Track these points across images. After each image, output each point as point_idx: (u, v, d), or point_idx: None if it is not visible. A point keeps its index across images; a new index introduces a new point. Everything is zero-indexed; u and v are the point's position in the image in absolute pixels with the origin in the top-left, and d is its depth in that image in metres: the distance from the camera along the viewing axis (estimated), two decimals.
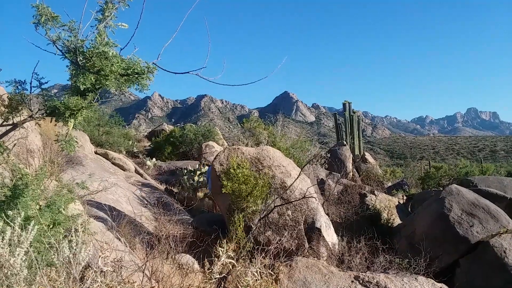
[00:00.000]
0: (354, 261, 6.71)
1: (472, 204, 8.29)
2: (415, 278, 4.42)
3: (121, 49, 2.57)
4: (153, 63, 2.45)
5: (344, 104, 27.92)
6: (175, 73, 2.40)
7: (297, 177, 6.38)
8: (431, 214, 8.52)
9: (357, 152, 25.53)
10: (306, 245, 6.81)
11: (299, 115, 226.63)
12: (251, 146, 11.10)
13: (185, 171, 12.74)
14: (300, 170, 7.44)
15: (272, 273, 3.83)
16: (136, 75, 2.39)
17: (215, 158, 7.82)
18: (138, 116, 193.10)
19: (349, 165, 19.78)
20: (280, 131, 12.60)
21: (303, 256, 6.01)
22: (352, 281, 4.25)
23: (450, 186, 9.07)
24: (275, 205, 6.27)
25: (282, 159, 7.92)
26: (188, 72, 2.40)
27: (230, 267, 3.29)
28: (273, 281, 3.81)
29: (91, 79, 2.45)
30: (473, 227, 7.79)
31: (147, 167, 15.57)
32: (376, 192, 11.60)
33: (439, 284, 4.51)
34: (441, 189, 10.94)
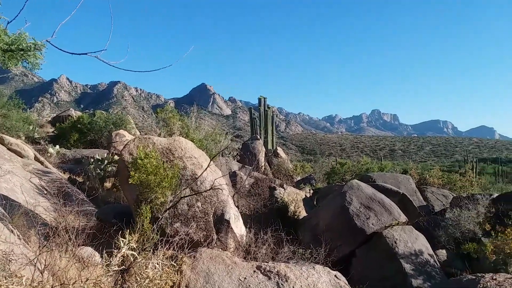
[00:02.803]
0: (260, 252, 6.90)
1: (369, 198, 8.94)
2: (313, 267, 4.67)
3: (8, 22, 2.33)
4: (46, 40, 2.26)
5: (259, 99, 28.51)
6: (71, 53, 2.24)
7: (206, 168, 6.37)
8: (334, 207, 9.05)
9: (270, 146, 26.24)
10: (215, 236, 6.85)
11: (216, 108, 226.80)
12: (164, 137, 10.85)
13: (92, 160, 12.09)
14: (210, 161, 7.45)
15: (175, 264, 3.78)
16: (21, 52, 2.19)
17: (124, 148, 7.54)
18: (42, 100, 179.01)
19: (262, 159, 20.25)
20: (194, 123, 12.47)
21: (212, 248, 6.04)
22: (254, 271, 4.37)
23: (351, 181, 9.70)
24: (182, 196, 6.20)
25: (194, 151, 7.85)
26: (86, 54, 2.24)
27: (132, 259, 3.19)
28: (176, 273, 3.77)
29: None
30: (369, 219, 8.42)
31: (49, 154, 14.48)
32: (285, 185, 12.00)
33: (334, 272, 4.81)
34: (344, 184, 11.65)
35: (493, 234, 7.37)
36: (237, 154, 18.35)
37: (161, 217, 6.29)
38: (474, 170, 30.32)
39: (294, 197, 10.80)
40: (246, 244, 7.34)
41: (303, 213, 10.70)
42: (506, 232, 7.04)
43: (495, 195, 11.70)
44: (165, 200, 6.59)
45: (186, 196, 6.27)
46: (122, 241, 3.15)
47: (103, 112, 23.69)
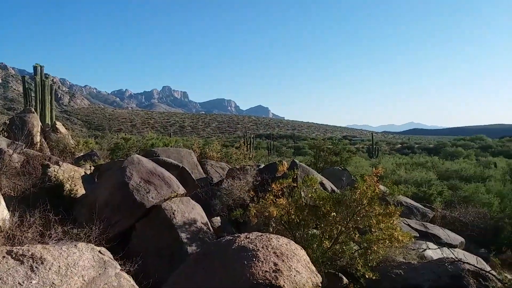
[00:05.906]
0: (25, 237, 6.25)
1: (150, 172, 9.06)
2: (75, 245, 4.48)
3: None
4: None
5: (35, 68, 25.15)
6: None
7: None
8: (113, 183, 8.83)
9: (48, 121, 23.67)
10: None
11: None
12: None
13: None
14: None
15: None
16: None
17: None
18: None
19: (37, 134, 18.14)
20: None
21: None
22: (4, 257, 3.92)
23: (132, 156, 9.62)
24: None
25: None
26: None
27: None
28: None
29: None
30: (149, 193, 8.54)
31: None
32: (61, 162, 11.09)
33: (99, 248, 4.75)
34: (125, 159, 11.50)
35: (256, 200, 8.45)
36: (4, 129, 15.88)
37: None
38: (252, 145, 34.13)
39: (71, 174, 10.08)
40: (9, 229, 6.53)
41: (81, 191, 10.10)
42: (266, 197, 8.12)
43: (262, 165, 13.43)
44: None
45: None
46: None
47: None
